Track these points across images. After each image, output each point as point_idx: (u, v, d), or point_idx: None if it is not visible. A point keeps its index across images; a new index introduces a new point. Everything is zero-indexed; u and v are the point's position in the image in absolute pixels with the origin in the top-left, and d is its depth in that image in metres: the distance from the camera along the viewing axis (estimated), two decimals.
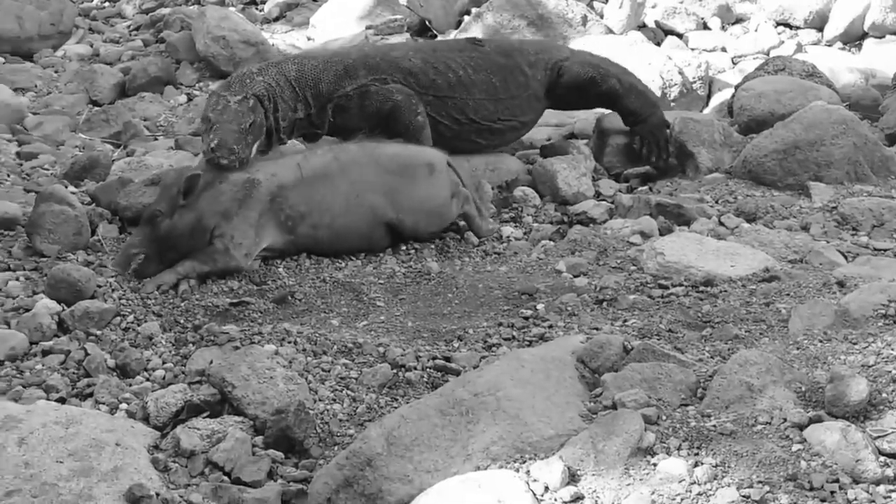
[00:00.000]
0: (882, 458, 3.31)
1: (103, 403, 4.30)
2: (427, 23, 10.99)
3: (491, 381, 3.68)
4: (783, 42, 10.29)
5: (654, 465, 3.35)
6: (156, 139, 8.09)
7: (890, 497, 3.21)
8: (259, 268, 5.42)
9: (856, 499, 3.20)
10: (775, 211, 6.09)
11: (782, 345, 4.07)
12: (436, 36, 10.74)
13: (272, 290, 5.22)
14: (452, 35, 10.24)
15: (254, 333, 4.75)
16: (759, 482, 3.25)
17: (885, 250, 5.56)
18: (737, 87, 7.77)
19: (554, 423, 3.56)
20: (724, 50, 10.33)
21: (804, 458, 3.33)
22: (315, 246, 5.58)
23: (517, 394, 3.63)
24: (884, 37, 10.08)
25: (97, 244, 5.63)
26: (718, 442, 3.41)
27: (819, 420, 3.43)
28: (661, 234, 5.74)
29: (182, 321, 4.93)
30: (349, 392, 4.36)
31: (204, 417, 4.14)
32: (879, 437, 3.37)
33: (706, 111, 8.54)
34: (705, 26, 10.72)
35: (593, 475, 3.33)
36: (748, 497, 3.20)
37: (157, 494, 3.64)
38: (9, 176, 6.68)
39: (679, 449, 3.41)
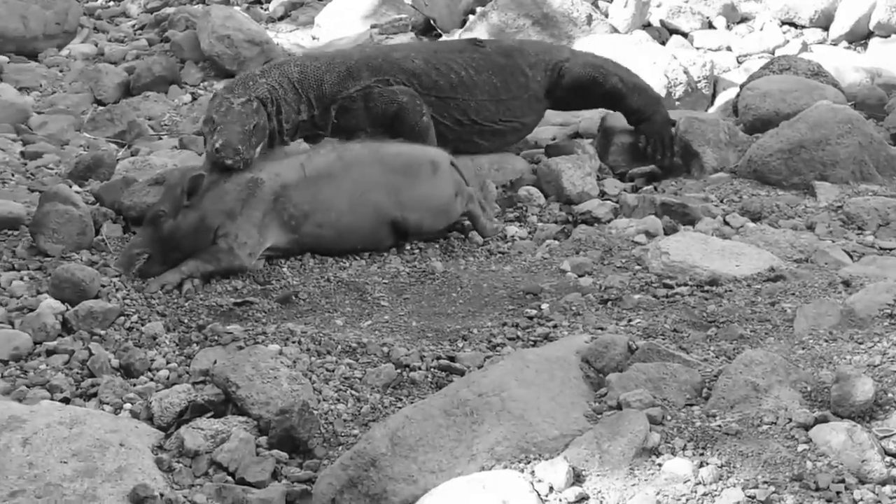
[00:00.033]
0: (888, 459, 3.30)
1: (107, 403, 4.30)
2: (432, 22, 10.98)
3: (495, 382, 3.67)
4: (788, 41, 10.26)
5: (660, 465, 3.34)
6: (160, 138, 8.09)
7: None
8: (263, 267, 5.42)
9: (861, 499, 3.19)
10: (780, 210, 6.07)
11: (788, 345, 4.06)
12: (440, 35, 10.74)
13: (276, 290, 5.22)
14: (457, 34, 10.23)
15: (258, 333, 4.75)
16: (765, 482, 3.24)
17: (891, 249, 5.54)
18: (742, 87, 7.75)
19: (559, 423, 3.55)
20: (729, 49, 10.30)
21: (810, 458, 3.31)
22: (319, 245, 5.58)
23: (522, 394, 3.62)
24: (889, 36, 10.05)
25: (101, 244, 5.63)
26: (724, 442, 3.40)
27: (825, 420, 3.42)
28: (666, 234, 5.73)
29: (186, 321, 4.93)
30: (353, 392, 4.35)
31: (208, 417, 4.13)
32: (885, 437, 3.35)
33: (711, 110, 8.52)
34: (710, 25, 10.69)
35: (598, 475, 3.32)
36: (753, 497, 3.18)
37: (161, 495, 3.64)
38: (13, 175, 6.69)
39: (684, 449, 3.39)
